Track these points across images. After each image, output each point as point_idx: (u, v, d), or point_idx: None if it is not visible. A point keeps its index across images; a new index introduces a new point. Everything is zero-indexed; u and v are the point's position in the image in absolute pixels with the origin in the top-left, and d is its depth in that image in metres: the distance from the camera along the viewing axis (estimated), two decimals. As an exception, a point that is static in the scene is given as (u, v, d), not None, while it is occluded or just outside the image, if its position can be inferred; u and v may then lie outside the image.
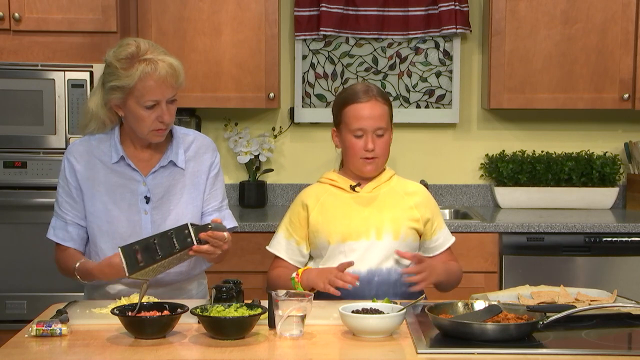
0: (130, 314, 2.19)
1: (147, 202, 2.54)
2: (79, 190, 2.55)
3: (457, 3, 4.18)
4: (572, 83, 4.04)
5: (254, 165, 4.28)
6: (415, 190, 2.79)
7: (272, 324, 2.19)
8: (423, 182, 4.18)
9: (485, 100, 4.17)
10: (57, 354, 2.06)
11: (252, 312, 2.16)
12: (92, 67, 3.60)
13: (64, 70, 3.60)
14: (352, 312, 2.17)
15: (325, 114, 4.36)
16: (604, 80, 4.03)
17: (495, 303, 2.24)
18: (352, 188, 2.73)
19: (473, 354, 2.01)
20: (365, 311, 2.19)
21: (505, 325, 2.09)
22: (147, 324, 2.13)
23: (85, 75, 3.60)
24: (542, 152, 4.32)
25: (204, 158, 2.62)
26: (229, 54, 4.00)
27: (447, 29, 4.21)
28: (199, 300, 2.57)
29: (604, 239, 3.76)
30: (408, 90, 4.37)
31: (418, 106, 4.38)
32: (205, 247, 2.30)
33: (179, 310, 2.19)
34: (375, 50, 4.36)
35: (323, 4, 4.18)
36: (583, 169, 4.22)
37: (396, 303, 2.31)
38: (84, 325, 2.25)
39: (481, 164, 4.39)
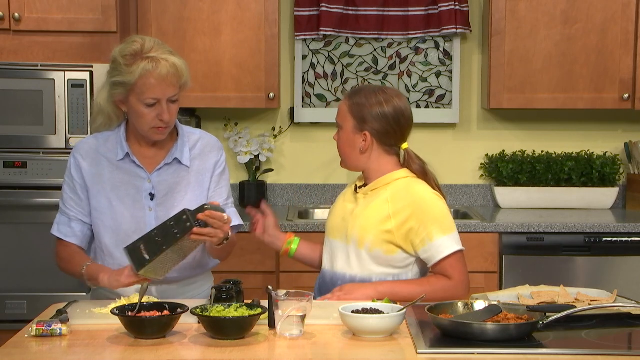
0: (130, 314, 2.19)
1: (151, 199, 2.55)
2: (84, 187, 2.57)
3: (457, 3, 4.18)
4: (572, 83, 4.04)
5: (254, 165, 4.28)
6: (404, 198, 2.59)
7: (272, 324, 2.19)
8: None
9: (485, 100, 4.17)
10: (57, 354, 2.06)
11: (252, 312, 2.16)
12: (92, 67, 3.61)
13: (64, 70, 3.60)
14: (352, 312, 2.17)
15: (325, 114, 4.36)
16: (604, 80, 4.03)
17: (495, 303, 2.23)
18: (356, 188, 2.74)
19: (473, 354, 2.01)
20: (365, 311, 2.19)
21: (505, 325, 2.09)
22: (147, 324, 2.13)
23: (85, 75, 3.60)
24: (542, 152, 4.32)
25: (209, 157, 2.63)
26: (229, 54, 4.00)
27: (447, 29, 4.21)
28: (199, 300, 2.57)
29: (604, 239, 3.76)
30: (408, 90, 4.37)
31: (418, 106, 4.38)
32: (207, 229, 2.29)
33: (179, 310, 2.19)
34: (375, 50, 4.36)
35: (323, 4, 4.18)
36: (583, 169, 4.22)
37: (396, 303, 2.31)
38: (84, 325, 2.25)
39: (481, 164, 4.39)
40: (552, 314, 2.17)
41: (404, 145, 2.72)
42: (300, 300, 2.14)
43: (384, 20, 4.25)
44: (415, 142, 4.34)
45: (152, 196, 2.55)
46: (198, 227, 2.27)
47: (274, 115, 4.39)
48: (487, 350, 2.02)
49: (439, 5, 4.20)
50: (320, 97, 4.39)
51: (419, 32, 4.26)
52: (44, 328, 2.15)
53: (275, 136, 4.36)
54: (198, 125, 4.25)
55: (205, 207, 2.29)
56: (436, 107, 4.38)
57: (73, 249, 2.59)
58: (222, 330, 2.12)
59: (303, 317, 2.15)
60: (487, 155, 4.37)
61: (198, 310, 2.17)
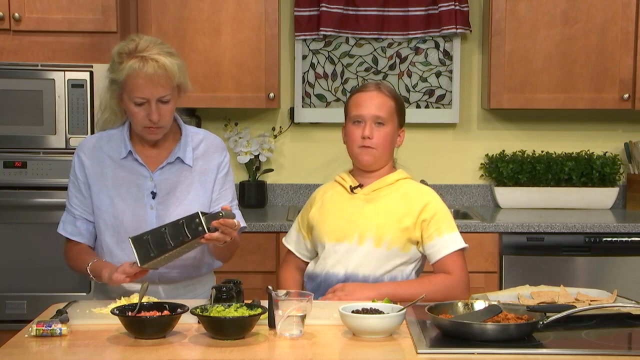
0: (130, 314, 2.19)
1: (153, 198, 2.56)
2: (87, 185, 2.58)
3: (457, 3, 4.18)
4: (572, 83, 4.04)
5: (254, 165, 4.29)
6: (415, 196, 2.68)
7: (272, 324, 2.19)
8: (423, 182, 4.18)
9: (485, 100, 4.17)
10: (57, 354, 2.06)
11: (252, 312, 2.16)
12: (92, 67, 3.60)
13: (64, 70, 3.60)
14: (352, 312, 2.17)
15: (325, 114, 4.36)
16: (604, 80, 4.03)
17: (495, 303, 2.24)
18: (352, 189, 2.72)
19: (473, 354, 2.01)
20: (365, 311, 2.19)
21: (505, 325, 2.09)
22: (147, 324, 2.13)
23: (85, 75, 3.59)
24: (542, 152, 4.32)
25: (212, 157, 2.64)
26: (229, 54, 4.00)
27: (447, 29, 4.21)
28: (199, 300, 2.57)
29: (604, 239, 3.76)
30: (408, 90, 4.37)
31: (418, 106, 4.38)
32: (216, 234, 2.31)
33: (179, 310, 2.19)
34: (375, 50, 4.36)
35: (323, 4, 4.18)
36: (583, 169, 4.22)
37: (396, 303, 2.31)
38: (84, 325, 2.25)
39: (481, 164, 4.39)
40: (552, 314, 2.17)
41: None
42: (300, 300, 2.15)
43: (384, 20, 4.25)
44: (415, 142, 4.38)
45: (153, 195, 2.56)
46: (209, 233, 2.28)
47: (274, 115, 4.39)
48: (487, 350, 2.02)
49: (439, 5, 4.20)
50: (320, 97, 4.39)
51: (419, 32, 4.26)
52: (44, 328, 2.15)
53: (275, 136, 4.36)
54: (198, 125, 4.25)
55: (220, 214, 2.30)
56: (436, 107, 4.38)
57: (80, 246, 2.60)
58: (222, 330, 2.12)
59: (303, 317, 2.15)
60: (487, 155, 4.37)
61: (198, 310, 2.17)
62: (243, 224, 2.67)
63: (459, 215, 4.21)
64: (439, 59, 4.36)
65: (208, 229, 2.29)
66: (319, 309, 2.33)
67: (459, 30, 4.21)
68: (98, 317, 2.31)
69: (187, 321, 2.23)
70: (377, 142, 2.65)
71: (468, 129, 4.40)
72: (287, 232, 2.94)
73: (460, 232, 2.69)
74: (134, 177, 2.57)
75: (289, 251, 2.84)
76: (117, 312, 2.18)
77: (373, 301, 2.33)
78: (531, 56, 4.04)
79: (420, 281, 2.64)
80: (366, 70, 4.37)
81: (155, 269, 2.39)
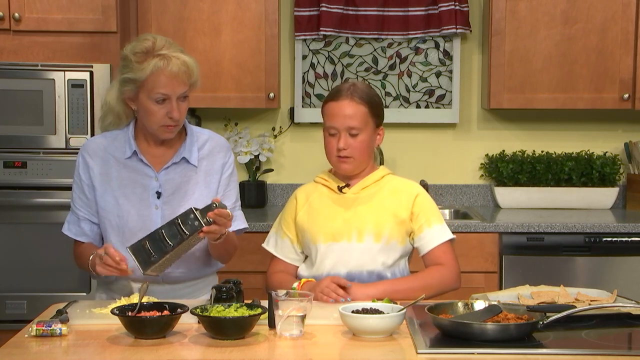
0: (130, 314, 2.19)
1: (158, 197, 2.57)
2: (91, 187, 2.58)
3: (457, 3, 4.18)
4: (572, 83, 4.04)
5: (254, 165, 4.29)
6: (404, 189, 2.71)
7: (272, 324, 2.19)
8: (423, 182, 4.19)
9: (485, 100, 4.17)
10: (57, 354, 2.06)
11: (252, 312, 2.16)
12: (92, 67, 3.60)
13: (64, 70, 3.59)
14: (352, 312, 2.17)
15: (325, 114, 4.36)
16: (604, 80, 4.03)
17: (495, 303, 2.24)
18: (340, 189, 2.73)
19: (473, 354, 2.01)
20: (365, 311, 2.19)
21: (505, 325, 2.09)
22: (147, 324, 2.13)
23: (85, 75, 3.59)
24: (542, 152, 4.32)
25: (217, 157, 2.64)
26: (229, 54, 4.00)
27: (447, 29, 4.21)
28: (199, 300, 2.57)
29: (604, 239, 3.76)
30: (408, 90, 4.37)
31: (418, 106, 4.38)
32: (213, 227, 2.33)
33: (179, 310, 2.19)
34: (375, 50, 4.36)
35: (323, 4, 4.18)
36: (583, 169, 4.22)
37: (396, 303, 2.31)
38: (84, 325, 2.25)
39: (481, 164, 4.39)
40: (552, 314, 2.17)
41: None
42: (300, 300, 2.15)
43: (384, 20, 4.25)
44: (415, 142, 4.38)
45: (158, 194, 2.57)
46: (207, 226, 2.29)
47: (274, 115, 4.39)
48: (487, 350, 2.02)
49: (439, 5, 4.20)
50: (320, 97, 4.38)
51: (419, 32, 4.26)
52: (44, 328, 2.15)
53: (275, 136, 4.36)
54: (198, 125, 4.24)
55: (214, 205, 2.32)
56: (436, 107, 4.38)
57: (85, 245, 2.61)
58: (222, 330, 2.12)
59: (303, 317, 2.15)
60: (487, 155, 4.37)
61: (198, 310, 2.17)
62: (244, 225, 2.68)
63: (459, 215, 4.22)
64: (439, 59, 4.36)
65: (204, 222, 2.30)
66: (319, 309, 2.33)
67: (459, 30, 4.21)
68: (98, 317, 2.31)
69: (187, 321, 2.23)
70: (353, 152, 2.65)
71: (468, 129, 4.40)
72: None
73: (460, 232, 2.75)
74: (139, 177, 2.57)
75: (275, 258, 2.80)
76: (117, 312, 2.18)
77: (373, 301, 2.33)
78: (531, 56, 4.04)
79: (415, 275, 2.66)
80: (366, 70, 4.37)
81: (161, 273, 2.39)
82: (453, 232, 2.72)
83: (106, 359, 2.01)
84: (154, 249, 2.30)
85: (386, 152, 4.21)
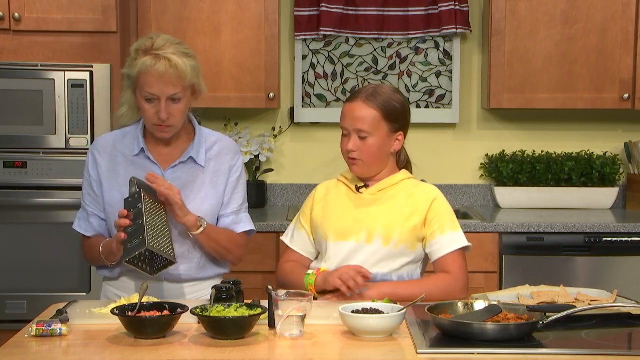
0: (130, 314, 2.19)
1: None
2: (99, 183, 2.62)
3: (457, 3, 4.18)
4: (572, 83, 4.04)
5: (254, 165, 4.29)
6: (421, 195, 2.68)
7: (272, 324, 2.19)
8: (423, 182, 4.18)
9: (485, 100, 4.17)
10: (57, 354, 2.06)
11: (252, 312, 2.16)
12: (92, 67, 3.61)
13: (64, 70, 3.60)
14: (352, 312, 2.17)
15: (325, 114, 4.36)
16: (604, 80, 4.03)
17: (495, 303, 2.24)
18: (357, 189, 2.73)
19: (473, 354, 2.01)
20: (365, 311, 2.19)
21: (505, 325, 2.09)
22: (147, 324, 2.13)
23: (85, 75, 3.59)
24: (542, 152, 4.32)
25: (225, 159, 2.66)
26: (229, 54, 4.00)
27: (447, 29, 4.21)
28: (199, 300, 2.57)
29: (604, 239, 3.76)
30: (408, 90, 4.37)
31: (418, 106, 4.38)
32: (161, 187, 2.45)
33: (179, 310, 2.19)
34: (375, 50, 4.36)
35: (323, 4, 4.18)
36: (583, 169, 4.22)
37: (396, 303, 2.31)
38: (84, 325, 2.25)
39: (481, 164, 4.39)
40: (552, 314, 2.17)
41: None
42: (300, 300, 2.15)
43: (384, 20, 4.25)
44: (415, 142, 4.36)
45: None
46: (155, 184, 2.43)
47: (274, 115, 4.39)
48: (487, 350, 2.02)
49: (439, 5, 4.20)
50: (320, 97, 4.39)
51: (419, 32, 4.26)
52: (44, 328, 2.15)
53: (275, 136, 4.36)
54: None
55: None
56: (436, 107, 4.38)
57: (94, 238, 2.64)
58: (222, 330, 2.12)
59: (303, 317, 2.15)
60: (487, 155, 4.37)
61: (198, 310, 2.17)
62: (251, 227, 2.70)
63: (459, 215, 4.19)
64: (439, 59, 4.36)
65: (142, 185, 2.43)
66: (319, 309, 2.33)
67: (459, 30, 4.21)
68: (98, 317, 2.31)
69: (187, 321, 2.23)
70: (362, 155, 2.64)
71: (468, 129, 4.40)
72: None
73: (460, 232, 2.71)
74: (146, 174, 2.58)
75: (289, 249, 2.82)
76: (117, 312, 2.18)
77: (373, 301, 2.33)
78: (531, 56, 4.04)
79: (420, 281, 2.65)
80: (366, 70, 4.37)
81: (169, 258, 2.39)
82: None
83: (106, 359, 2.01)
84: (131, 236, 2.35)
85: (386, 152, 4.21)
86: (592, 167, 4.21)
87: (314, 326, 2.21)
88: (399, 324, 2.17)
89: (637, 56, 3.99)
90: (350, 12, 4.25)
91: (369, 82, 4.34)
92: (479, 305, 2.24)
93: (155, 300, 2.34)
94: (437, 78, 4.37)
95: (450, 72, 4.36)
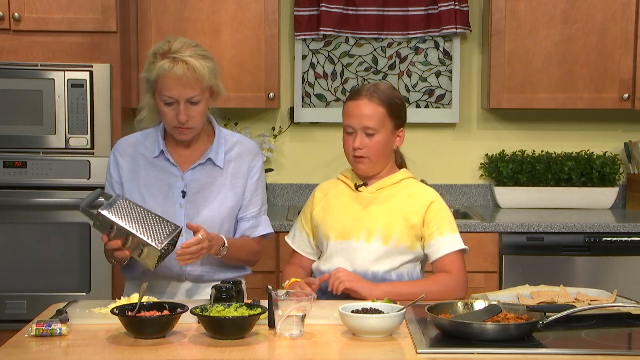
0: (130, 314, 2.19)
1: (183, 197, 2.61)
2: (120, 185, 2.65)
3: (457, 3, 4.18)
4: (572, 83, 4.04)
5: (254, 165, 4.28)
6: (420, 195, 2.70)
7: (272, 324, 2.19)
8: (423, 182, 4.18)
9: (485, 100, 4.17)
10: (57, 354, 2.06)
11: (252, 312, 2.16)
12: (92, 67, 3.60)
13: (64, 70, 3.59)
14: (352, 312, 2.17)
15: (325, 114, 4.36)
16: (604, 80, 4.03)
17: (495, 303, 2.24)
18: (357, 187, 2.73)
19: (473, 354, 2.01)
20: (365, 311, 2.19)
21: (505, 325, 2.09)
22: (147, 324, 2.13)
23: (85, 75, 3.59)
24: (542, 152, 4.32)
25: (245, 161, 2.68)
26: (229, 54, 4.00)
27: (447, 29, 4.21)
28: (199, 300, 2.57)
29: (604, 239, 3.76)
30: (408, 90, 4.37)
31: (418, 106, 4.38)
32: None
33: (179, 310, 2.19)
34: (375, 50, 4.36)
35: (323, 4, 4.18)
36: (583, 169, 4.22)
37: (395, 303, 2.31)
38: (84, 325, 2.25)
39: (481, 164, 4.39)
40: (552, 314, 2.17)
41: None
42: (300, 300, 2.15)
43: (384, 20, 4.25)
44: (415, 142, 4.37)
45: (184, 194, 2.61)
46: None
47: (274, 115, 4.39)
48: (487, 350, 2.02)
49: (439, 5, 4.20)
50: (320, 97, 4.39)
51: (419, 32, 4.26)
52: (44, 328, 2.15)
53: (275, 136, 4.36)
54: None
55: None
56: (436, 107, 4.38)
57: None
58: (222, 330, 2.12)
59: (303, 317, 2.15)
60: (487, 155, 4.37)
61: (198, 310, 2.17)
62: (269, 230, 2.74)
63: (459, 215, 4.21)
64: (439, 59, 4.36)
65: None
66: (319, 309, 2.33)
67: (459, 30, 4.21)
68: (98, 317, 2.31)
69: (187, 321, 2.23)
70: (369, 152, 2.65)
71: (468, 129, 4.40)
72: (287, 232, 2.94)
73: (460, 232, 2.72)
74: (166, 176, 2.62)
75: (294, 251, 2.84)
76: (117, 312, 2.18)
77: (373, 301, 2.33)
78: (531, 56, 4.04)
79: (421, 281, 2.67)
80: (366, 70, 4.37)
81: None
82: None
83: (106, 359, 2.01)
84: (139, 250, 2.40)
85: (386, 152, 4.21)
86: (592, 167, 4.21)
87: (314, 326, 2.22)
88: (399, 324, 2.17)
89: (637, 56, 3.99)
90: (350, 12, 4.25)
91: (368, 82, 4.33)
92: (479, 305, 2.24)
93: (155, 300, 2.34)
94: (437, 78, 4.37)
95: (450, 72, 4.36)
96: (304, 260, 2.81)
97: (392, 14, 4.25)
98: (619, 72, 4.02)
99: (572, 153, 4.29)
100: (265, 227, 2.72)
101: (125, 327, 2.16)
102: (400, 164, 2.82)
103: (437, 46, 4.36)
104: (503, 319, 2.15)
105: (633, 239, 3.76)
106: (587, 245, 3.77)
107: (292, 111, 4.37)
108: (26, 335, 2.16)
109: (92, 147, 3.61)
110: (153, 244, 2.37)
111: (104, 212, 2.39)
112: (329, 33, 4.23)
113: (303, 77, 4.37)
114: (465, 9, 4.22)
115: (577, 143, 4.35)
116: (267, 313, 2.20)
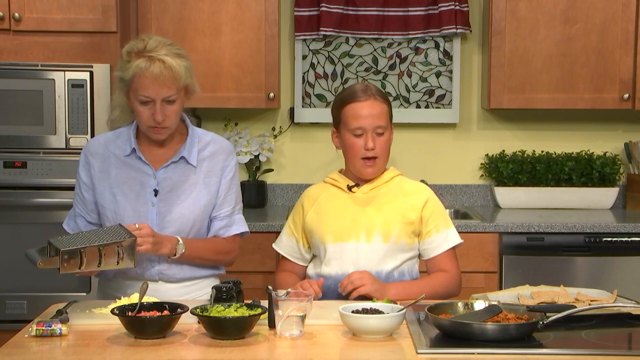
0: (130, 314, 2.19)
1: (155, 195, 2.59)
2: (89, 186, 2.62)
3: (457, 3, 4.18)
4: (572, 83, 4.04)
5: (254, 165, 4.28)
6: (414, 191, 2.73)
7: (272, 324, 2.19)
8: (423, 182, 4.18)
9: (485, 100, 4.17)
10: (57, 354, 2.06)
11: (252, 312, 2.16)
12: (92, 67, 3.60)
13: (64, 70, 3.59)
14: (352, 312, 2.17)
15: (325, 114, 4.36)
16: (604, 80, 4.03)
17: (495, 303, 2.24)
18: (349, 188, 2.73)
19: (473, 354, 2.01)
20: (365, 311, 2.19)
21: (505, 325, 2.09)
22: (147, 324, 2.13)
23: (85, 75, 3.59)
24: (542, 152, 4.32)
25: (218, 159, 2.66)
26: (229, 54, 4.00)
27: (447, 29, 4.21)
28: (199, 300, 2.57)
29: (604, 239, 3.76)
30: (408, 90, 4.37)
31: (418, 106, 4.38)
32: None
33: (179, 310, 2.19)
34: (375, 50, 4.36)
35: (323, 4, 4.18)
36: (583, 169, 4.22)
37: (396, 303, 2.31)
38: (84, 325, 2.25)
39: (481, 164, 4.39)
40: (552, 314, 2.17)
41: None
42: (300, 300, 2.15)
43: (384, 20, 4.25)
44: (415, 142, 4.38)
45: (155, 192, 2.58)
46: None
47: (274, 115, 4.39)
48: (487, 350, 2.02)
49: (439, 5, 4.20)
50: (320, 97, 4.39)
51: (419, 32, 4.26)
52: (44, 328, 2.15)
53: (275, 136, 4.36)
54: (198, 126, 4.24)
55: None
56: (436, 107, 4.38)
57: None
58: (222, 330, 2.12)
59: (303, 317, 2.15)
60: (487, 155, 4.37)
61: (198, 310, 2.17)
62: (244, 229, 2.70)
63: (459, 215, 4.22)
64: (439, 59, 4.36)
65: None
66: (319, 309, 2.33)
67: (459, 30, 4.21)
68: (98, 317, 2.31)
69: (187, 321, 2.23)
70: (380, 152, 2.66)
71: (468, 129, 4.40)
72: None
73: (460, 232, 2.75)
74: (138, 174, 2.59)
75: (283, 257, 2.83)
76: (117, 312, 2.18)
77: (373, 301, 2.33)
78: (531, 56, 4.04)
79: (426, 281, 2.68)
80: (366, 70, 4.37)
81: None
82: (453, 233, 2.75)
83: (106, 359, 2.01)
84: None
85: (386, 152, 4.21)
86: (592, 167, 4.21)
87: (314, 326, 2.22)
88: (399, 324, 2.17)
89: (637, 56, 3.99)
90: (350, 12, 4.25)
91: (368, 82, 4.33)
92: (479, 305, 2.24)
93: (155, 300, 2.34)
94: (437, 78, 4.37)
95: (450, 72, 4.36)
96: (295, 267, 2.80)
97: (392, 14, 4.25)
98: (619, 72, 4.02)
99: (572, 153, 4.29)
100: (239, 226, 2.69)
101: (125, 327, 2.16)
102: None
103: (437, 46, 4.36)
104: (503, 319, 2.15)
105: (633, 239, 3.76)
106: (587, 245, 3.77)
107: (292, 111, 4.37)
108: (26, 335, 2.16)
109: (92, 147, 3.61)
110: (126, 238, 2.32)
111: (65, 249, 2.26)
112: (329, 33, 4.23)
113: (303, 77, 4.37)
114: (465, 9, 4.22)
115: (577, 143, 4.35)
116: (267, 313, 2.20)
